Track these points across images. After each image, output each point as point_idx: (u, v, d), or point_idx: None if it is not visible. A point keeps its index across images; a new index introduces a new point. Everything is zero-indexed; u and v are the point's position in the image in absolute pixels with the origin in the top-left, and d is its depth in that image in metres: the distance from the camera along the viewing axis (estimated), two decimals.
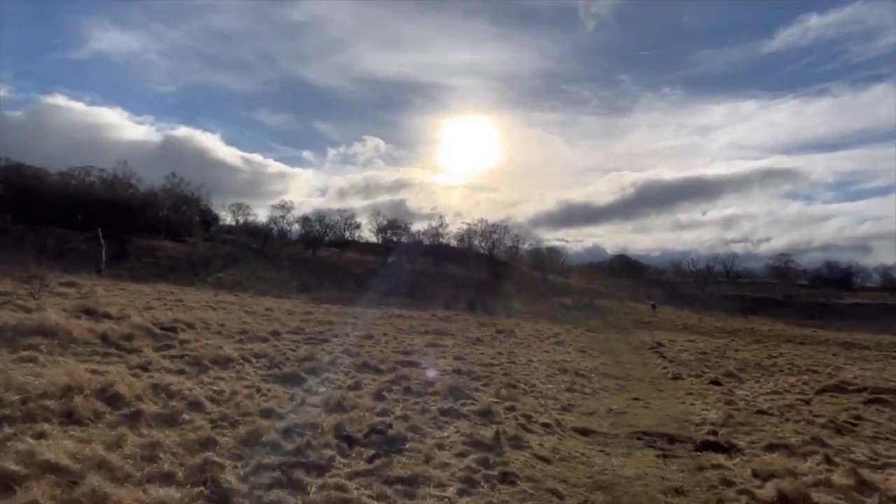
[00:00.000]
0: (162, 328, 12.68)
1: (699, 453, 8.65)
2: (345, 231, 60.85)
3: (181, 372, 9.50)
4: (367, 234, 63.25)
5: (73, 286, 24.59)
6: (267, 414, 7.28)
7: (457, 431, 7.59)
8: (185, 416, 6.76)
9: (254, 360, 11.35)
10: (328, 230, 60.02)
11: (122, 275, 35.08)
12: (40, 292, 17.12)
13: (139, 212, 41.41)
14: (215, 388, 8.50)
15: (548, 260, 67.16)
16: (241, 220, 53.57)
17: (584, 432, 9.45)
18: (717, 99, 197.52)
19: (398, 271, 54.28)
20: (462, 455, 6.66)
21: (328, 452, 5.93)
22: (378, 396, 9.35)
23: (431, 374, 11.84)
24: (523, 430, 8.52)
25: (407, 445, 6.68)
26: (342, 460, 5.90)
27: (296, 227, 57.20)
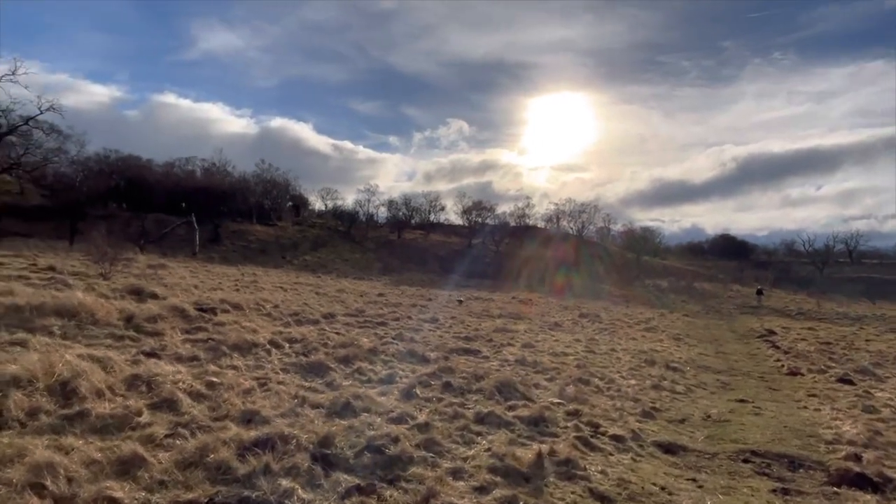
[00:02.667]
0: (200, 310, 11.64)
1: (836, 489, 6.11)
2: (430, 213, 59.74)
3: (192, 359, 8.22)
4: (453, 216, 61.83)
5: (162, 268, 24.94)
6: (246, 419, 5.70)
7: (487, 449, 5.62)
8: (140, 420, 5.31)
9: (286, 346, 9.95)
10: (414, 213, 59.18)
11: (214, 257, 35.88)
12: (110, 272, 16.90)
13: (231, 197, 42.43)
14: (214, 380, 7.07)
15: (641, 240, 62.42)
16: (330, 205, 53.92)
17: (669, 449, 7.14)
18: (837, 61, 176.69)
19: (482, 253, 52.43)
20: (482, 490, 4.69)
21: (286, 484, 4.19)
22: (407, 394, 7.56)
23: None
24: (584, 446, 6.39)
25: (409, 471, 4.82)
26: (303, 496, 4.14)
27: (382, 210, 56.85)
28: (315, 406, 6.44)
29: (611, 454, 6.43)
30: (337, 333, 12.07)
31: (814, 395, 11.81)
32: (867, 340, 23.34)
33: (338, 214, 52.11)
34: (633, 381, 11.31)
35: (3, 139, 32.78)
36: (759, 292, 41.83)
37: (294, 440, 4.95)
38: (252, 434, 5.04)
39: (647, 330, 22.22)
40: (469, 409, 7.13)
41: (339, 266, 40.48)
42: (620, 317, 26.19)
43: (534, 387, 9.28)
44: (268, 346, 9.56)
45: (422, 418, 6.36)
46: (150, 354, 8.12)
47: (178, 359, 8.19)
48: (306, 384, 7.71)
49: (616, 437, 7.04)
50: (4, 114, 32.47)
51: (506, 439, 6.10)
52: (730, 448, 7.40)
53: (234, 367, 8.12)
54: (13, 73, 31.44)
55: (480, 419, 6.72)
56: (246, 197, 44.20)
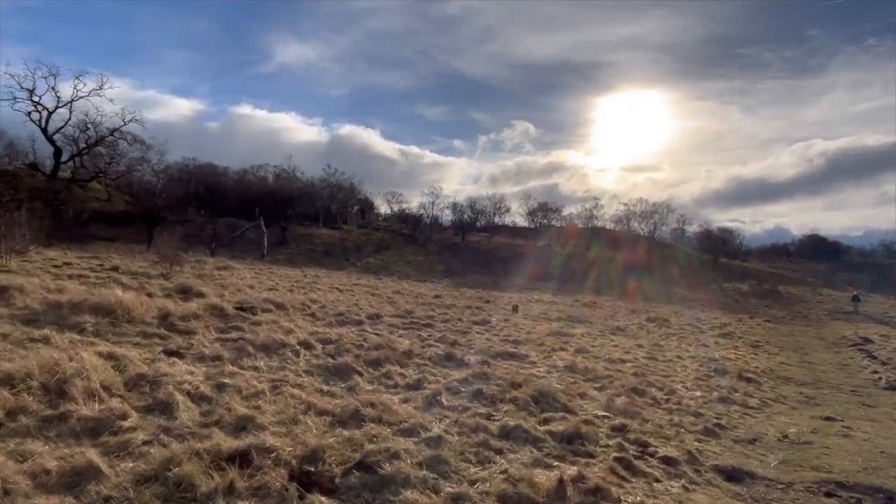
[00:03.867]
0: (240, 309, 11.43)
1: None
2: (494, 216, 58.78)
3: (215, 359, 7.86)
4: (518, 218, 60.57)
5: (228, 269, 25.55)
6: (239, 426, 5.16)
7: (503, 471, 4.77)
8: (124, 424, 4.88)
9: (318, 347, 9.47)
10: (479, 215, 58.43)
11: (281, 260, 36.61)
12: (171, 273, 17.25)
13: (298, 201, 43.36)
14: (227, 381, 6.63)
15: (719, 241, 58.55)
16: (395, 209, 54.14)
17: (732, 476, 6.01)
18: None
19: (548, 255, 50.88)
20: None
21: None
22: (430, 402, 6.83)
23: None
24: (625, 469, 5.41)
25: (400, 496, 4.08)
26: None
27: (447, 212, 56.46)
28: (322, 413, 5.83)
29: (657, 480, 5.41)
30: (377, 335, 11.52)
31: None
32: None
33: (402, 217, 52.17)
34: (697, 393, 10.04)
35: (91, 149, 35.02)
36: (856, 298, 37.83)
37: (275, 453, 4.33)
38: (233, 444, 4.48)
39: (722, 336, 20.37)
40: (495, 421, 6.30)
41: (402, 268, 40.34)
42: (692, 321, 24.28)
43: (578, 397, 8.30)
44: (297, 347, 9.10)
45: (436, 430, 5.61)
46: (172, 353, 7.82)
47: (201, 358, 7.85)
48: (325, 388, 7.14)
49: (667, 460, 5.99)
50: (93, 126, 34.64)
51: (529, 459, 5.23)
52: (809, 477, 6.16)
53: (255, 368, 7.68)
54: (100, 88, 33.54)
55: (505, 434, 5.87)
56: (313, 201, 45.04)
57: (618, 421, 7.05)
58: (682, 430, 7.36)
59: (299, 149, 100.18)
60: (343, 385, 7.47)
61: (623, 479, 5.19)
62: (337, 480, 4.18)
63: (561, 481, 4.41)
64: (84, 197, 36.12)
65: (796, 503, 5.48)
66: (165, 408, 5.46)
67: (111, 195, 38.27)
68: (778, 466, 6.50)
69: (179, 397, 5.68)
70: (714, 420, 8.09)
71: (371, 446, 4.83)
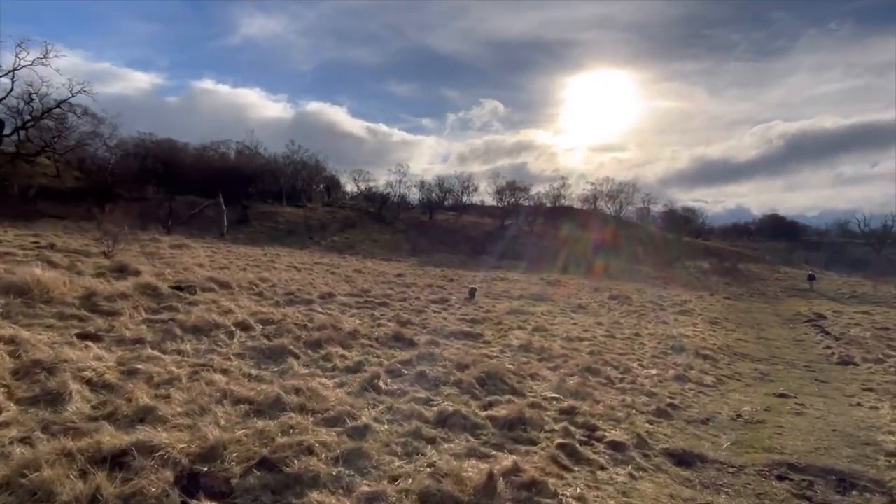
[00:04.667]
0: (178, 288, 10.67)
1: None
2: (463, 194, 58.15)
3: (135, 342, 7.17)
4: (487, 197, 60.08)
5: (183, 247, 24.49)
6: (138, 417, 4.54)
7: (430, 465, 4.29)
8: None
9: (257, 328, 8.83)
10: (447, 194, 57.73)
11: (242, 238, 35.46)
12: (114, 251, 16.25)
13: (260, 178, 41.95)
14: (139, 367, 5.98)
15: (682, 221, 59.25)
16: (362, 187, 52.96)
17: (683, 460, 5.66)
18: None
19: (516, 234, 50.67)
20: None
21: None
22: (367, 386, 6.29)
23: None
24: (568, 457, 4.99)
25: (305, 498, 3.55)
26: None
27: (414, 191, 55.57)
28: (239, 401, 5.25)
29: (602, 468, 5.01)
30: (326, 314, 10.94)
31: (870, 390, 10.01)
32: None
33: (369, 196, 51.12)
34: (653, 371, 9.76)
35: (37, 122, 33.01)
36: (811, 277, 38.52)
37: (163, 452, 3.74)
38: (118, 442, 3.87)
39: (682, 313, 20.34)
40: (434, 406, 5.80)
41: (368, 247, 39.56)
42: (654, 299, 24.29)
43: (530, 378, 7.89)
44: (233, 329, 8.46)
45: (365, 419, 5.09)
46: (88, 336, 7.11)
47: (120, 341, 7.16)
48: (254, 373, 6.55)
49: (615, 445, 5.60)
50: (39, 97, 32.65)
51: (463, 449, 4.75)
52: (761, 459, 5.86)
53: (180, 352, 7.03)
54: (44, 57, 31.50)
55: (442, 420, 5.39)
56: (276, 178, 43.62)
57: (567, 403, 6.64)
58: (634, 411, 7.01)
59: (264, 125, 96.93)
60: (276, 369, 6.89)
61: (564, 468, 4.76)
62: (234, 482, 3.63)
63: (491, 475, 3.94)
64: (31, 172, 34.20)
65: (747, 489, 5.15)
66: (55, 399, 4.80)
67: (60, 171, 36.36)
68: (730, 448, 6.19)
69: (74, 386, 5.01)
70: (668, 399, 7.78)
71: (283, 440, 4.28)
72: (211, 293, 11.29)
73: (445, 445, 4.79)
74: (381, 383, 6.40)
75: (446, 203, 58.68)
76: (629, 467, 5.16)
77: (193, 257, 20.33)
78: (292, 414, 4.97)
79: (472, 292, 17.68)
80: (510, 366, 8.36)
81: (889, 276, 46.63)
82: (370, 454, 4.30)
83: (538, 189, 60.82)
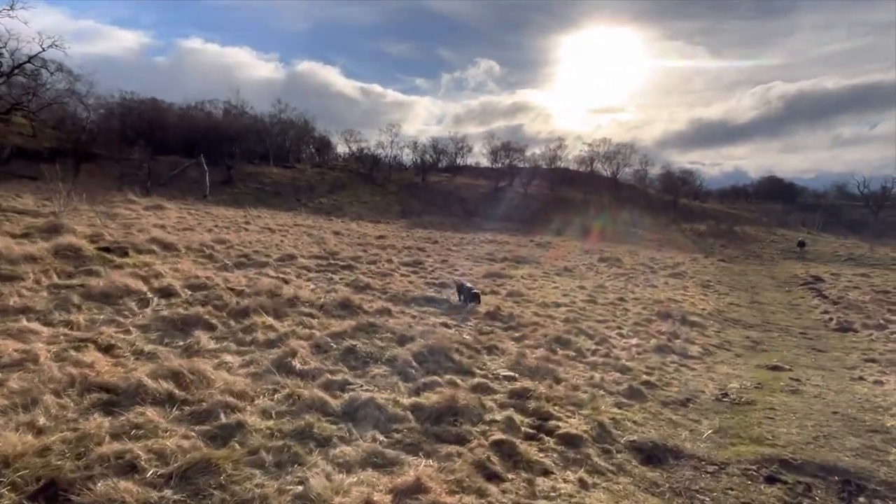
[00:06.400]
0: (105, 250, 9.48)
1: None
2: (457, 156, 56.28)
3: (20, 312, 6.02)
4: (482, 159, 58.24)
5: (157, 209, 23.26)
6: None
7: (299, 483, 3.16)
8: None
9: (184, 294, 7.68)
10: (441, 155, 55.88)
11: (226, 200, 34.09)
12: (63, 210, 14.99)
13: (245, 138, 40.23)
14: (5, 343, 4.83)
15: (679, 183, 57.57)
16: (353, 148, 51.08)
17: (652, 457, 4.57)
18: None
19: (510, 196, 49.17)
20: None
21: None
22: (279, 365, 5.15)
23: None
24: (504, 459, 3.89)
25: None
26: None
27: (407, 152, 53.70)
28: (91, 389, 4.11)
29: (546, 473, 3.91)
30: (277, 279, 9.79)
31: (872, 361, 8.94)
32: None
33: (360, 157, 49.31)
34: (633, 341, 8.66)
35: (8, 78, 31.20)
36: (801, 244, 37.17)
37: None
38: None
39: (673, 276, 19.21)
40: (348, 392, 4.67)
41: (357, 209, 38.19)
42: (645, 261, 23.13)
43: (486, 351, 6.77)
44: (150, 296, 7.30)
45: (245, 414, 3.96)
46: None
47: (2, 312, 5.99)
48: (147, 349, 5.41)
49: (568, 439, 4.49)
50: (9, 52, 30.77)
51: (361, 455, 3.63)
52: (748, 453, 4.76)
53: (68, 324, 5.88)
54: (11, 9, 29.46)
55: (350, 412, 4.27)
56: (262, 138, 41.82)
57: (521, 384, 5.52)
58: (602, 391, 5.90)
59: (254, 86, 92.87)
60: (181, 343, 5.74)
61: (492, 478, 3.65)
62: None
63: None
64: (4, 132, 32.57)
65: (728, 496, 4.06)
66: None
67: (37, 130, 34.72)
68: (711, 438, 5.10)
69: None
70: (644, 376, 6.67)
71: (101, 450, 3.14)
72: (148, 255, 10.11)
73: (339, 449, 3.66)
74: (295, 362, 5.26)
75: (440, 165, 56.91)
76: (581, 470, 4.06)
77: (160, 218, 19.09)
78: (149, 408, 3.83)
79: (464, 291, 9.88)
80: (467, 337, 7.24)
81: (886, 239, 45.44)
82: (222, 468, 3.17)
83: (534, 151, 58.93)
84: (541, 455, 4.15)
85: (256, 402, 4.31)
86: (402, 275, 12.28)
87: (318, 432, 3.84)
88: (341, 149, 53.08)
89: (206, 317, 6.57)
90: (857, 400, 6.60)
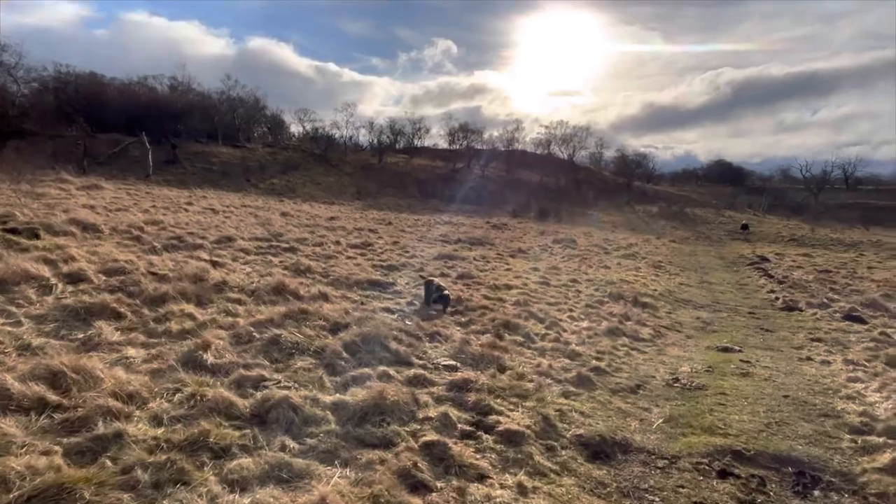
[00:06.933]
0: (10, 231, 8.51)
1: None
2: (414, 137, 55.34)
3: None
4: (440, 140, 57.47)
5: (93, 188, 21.77)
6: None
7: (201, 498, 2.62)
8: None
9: (97, 280, 6.89)
10: (398, 137, 54.85)
11: (171, 180, 32.35)
12: None
13: (190, 115, 38.18)
14: None
15: (634, 166, 58.39)
16: (308, 127, 49.41)
17: (600, 452, 4.19)
18: None
19: (468, 178, 48.75)
20: None
21: None
22: (187, 360, 4.52)
23: None
24: (433, 464, 3.42)
25: None
26: None
27: (363, 132, 52.39)
28: None
29: (481, 478, 3.45)
30: (207, 262, 9.02)
31: (818, 340, 8.91)
32: (869, 268, 20.35)
33: (314, 137, 47.77)
34: (584, 324, 8.34)
35: None
36: (745, 227, 38.19)
37: None
38: None
39: (626, 257, 19.19)
40: (262, 390, 4.10)
41: (310, 190, 37.02)
42: (600, 242, 23.12)
43: (428, 338, 6.27)
44: (53, 282, 6.47)
45: (128, 422, 3.33)
46: None
47: None
48: (37, 342, 4.68)
49: (510, 435, 4.06)
50: None
51: (262, 469, 3.08)
52: (700, 444, 4.45)
53: None
54: None
55: (259, 414, 3.70)
56: (209, 115, 39.77)
57: (462, 374, 5.05)
58: (549, 380, 5.51)
59: (203, 62, 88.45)
60: (80, 336, 5.02)
61: (419, 488, 3.16)
62: None
63: None
64: None
65: (679, 494, 3.72)
66: None
67: None
68: (662, 428, 4.77)
69: None
70: (593, 361, 6.32)
71: None
72: (64, 238, 9.15)
73: (237, 462, 3.10)
74: (207, 355, 4.64)
75: (397, 146, 55.92)
76: (521, 473, 3.63)
77: (93, 199, 17.78)
78: (8, 418, 3.18)
79: (431, 290, 8.10)
80: (408, 323, 6.74)
81: (825, 220, 47.35)
82: (79, 494, 2.57)
83: (492, 133, 58.45)
84: (477, 457, 3.69)
85: (150, 405, 3.69)
86: (349, 257, 11.66)
87: (216, 441, 3.27)
88: (295, 128, 51.39)
89: (115, 305, 5.83)
90: (806, 382, 6.43)
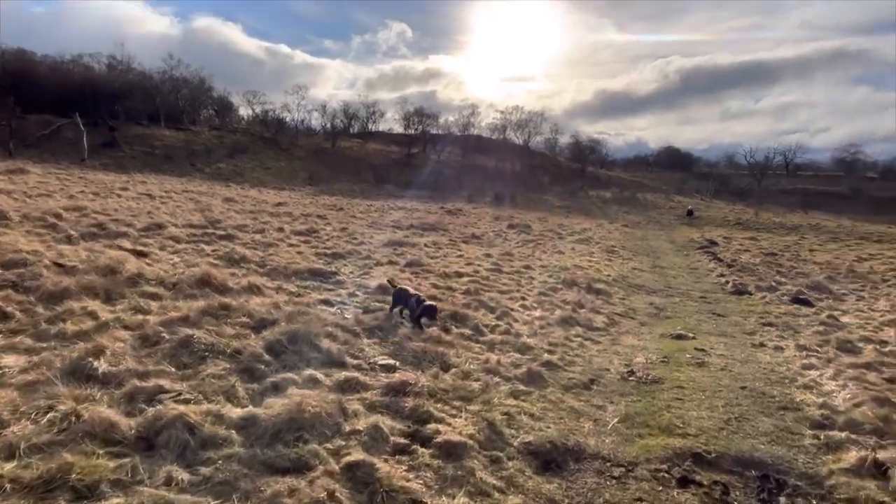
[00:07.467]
0: None
1: None
2: (368, 121, 54.01)
3: None
4: (395, 125, 56.31)
5: (17, 173, 20.12)
6: None
7: None
8: None
9: None
10: (352, 121, 53.41)
11: (109, 164, 30.48)
12: None
13: (129, 96, 35.84)
14: None
15: (587, 152, 58.82)
16: (258, 110, 47.32)
17: (551, 461, 3.74)
18: None
19: (423, 163, 48.01)
20: None
21: None
22: (75, 368, 3.81)
23: None
24: (355, 492, 2.85)
25: None
26: None
27: (316, 115, 50.66)
28: None
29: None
30: (133, 251, 8.16)
31: (769, 325, 8.79)
32: (811, 251, 20.91)
33: (264, 120, 45.84)
34: (536, 313, 7.93)
35: None
36: (690, 213, 39.02)
37: None
38: None
39: (580, 241, 19.03)
40: (155, 405, 3.44)
41: (259, 175, 35.56)
42: (554, 227, 22.93)
43: (367, 334, 5.69)
44: None
45: None
46: None
47: None
48: None
49: (449, 448, 3.55)
50: None
51: None
52: (658, 448, 4.06)
53: None
54: None
55: (150, 436, 3.06)
56: (150, 96, 37.44)
57: (400, 376, 4.51)
58: (497, 378, 5.03)
59: (146, 42, 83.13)
60: None
61: None
62: None
63: None
64: None
65: None
66: None
67: None
68: (617, 429, 4.37)
69: None
70: (545, 355, 5.89)
71: None
72: None
73: None
74: (101, 363, 3.94)
75: (351, 130, 54.52)
76: (461, 493, 3.12)
77: (14, 184, 16.33)
78: None
79: (407, 302, 6.58)
80: (347, 317, 6.14)
81: (768, 205, 48.94)
82: None
83: (447, 117, 57.62)
84: (410, 477, 3.16)
85: (10, 429, 2.99)
86: (291, 245, 10.91)
87: (81, 477, 2.62)
88: (244, 111, 49.24)
89: (1, 303, 5.01)
90: (762, 370, 6.20)
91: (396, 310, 6.56)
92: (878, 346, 7.45)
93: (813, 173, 72.21)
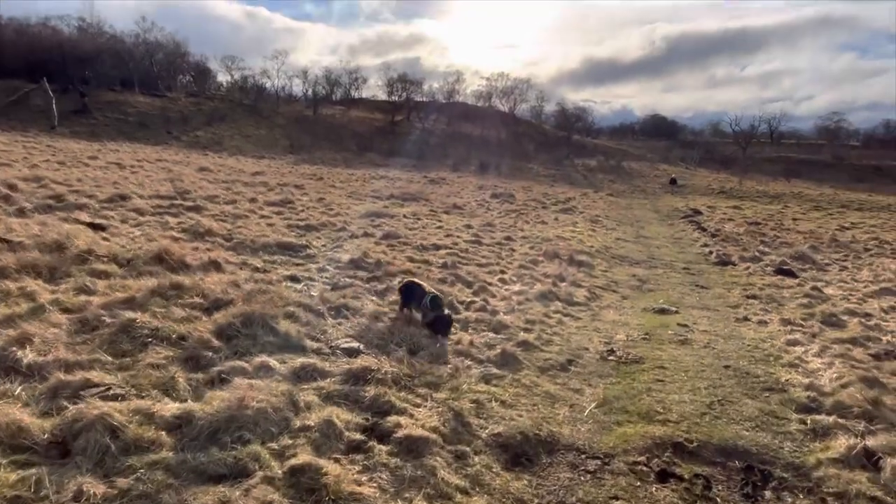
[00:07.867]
0: None
1: None
2: (351, 88, 52.61)
3: None
4: (378, 91, 54.93)
5: None
6: None
7: None
8: None
9: None
10: (334, 87, 52.00)
11: (81, 132, 29.28)
12: None
13: (100, 60, 34.31)
14: None
15: (573, 119, 58.03)
16: (237, 76, 45.79)
17: (521, 455, 3.45)
18: None
19: (407, 131, 47.06)
20: None
21: None
22: None
23: None
24: (305, 498, 2.52)
25: None
26: None
27: (297, 82, 49.19)
28: None
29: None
30: (90, 224, 7.67)
31: (753, 297, 8.59)
32: (794, 220, 20.82)
33: (243, 86, 44.39)
34: (515, 287, 7.61)
35: None
36: (673, 181, 38.73)
37: None
38: None
39: (563, 211, 18.70)
40: (77, 403, 3.06)
41: (238, 143, 34.54)
42: (538, 196, 22.55)
43: (333, 313, 5.32)
44: None
45: None
46: None
47: None
48: None
49: (409, 444, 3.23)
50: None
51: None
52: (636, 437, 3.79)
53: None
54: None
55: (68, 440, 2.66)
56: (123, 60, 35.89)
57: (362, 361, 4.16)
58: (469, 361, 4.72)
59: (117, 4, 79.70)
60: None
61: None
62: None
63: None
64: None
65: None
66: None
67: None
68: (594, 415, 4.09)
69: None
70: (521, 334, 5.58)
71: None
72: None
73: None
74: (26, 352, 3.54)
75: (334, 97, 53.12)
76: (419, 496, 2.82)
77: None
78: None
79: (415, 296, 5.75)
80: (312, 295, 5.76)
81: (752, 173, 48.89)
82: None
83: (432, 84, 56.35)
84: (362, 480, 2.84)
85: None
86: (263, 216, 10.43)
87: None
88: (222, 77, 47.67)
89: None
90: (746, 347, 5.96)
91: (407, 310, 5.55)
92: (862, 320, 7.28)
93: (796, 142, 72.23)
